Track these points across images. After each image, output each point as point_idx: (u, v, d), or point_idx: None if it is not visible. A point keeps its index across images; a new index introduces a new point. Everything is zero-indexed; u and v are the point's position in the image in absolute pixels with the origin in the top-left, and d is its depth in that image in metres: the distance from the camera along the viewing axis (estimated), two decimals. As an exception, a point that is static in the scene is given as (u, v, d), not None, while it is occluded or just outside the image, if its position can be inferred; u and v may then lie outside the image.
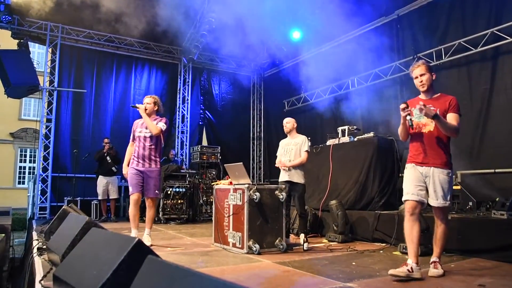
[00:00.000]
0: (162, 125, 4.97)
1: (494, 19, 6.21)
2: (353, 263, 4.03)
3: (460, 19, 6.80)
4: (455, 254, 4.37)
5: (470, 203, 5.47)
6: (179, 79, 11.46)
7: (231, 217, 4.82)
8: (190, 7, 8.53)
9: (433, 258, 3.49)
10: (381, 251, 4.81)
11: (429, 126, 3.45)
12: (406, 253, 3.40)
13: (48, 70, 9.62)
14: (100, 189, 8.70)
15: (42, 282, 2.74)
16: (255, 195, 4.57)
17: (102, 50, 10.38)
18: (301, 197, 5.22)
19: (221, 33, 9.40)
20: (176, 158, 10.56)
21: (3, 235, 6.06)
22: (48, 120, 9.43)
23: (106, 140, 8.93)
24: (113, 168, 8.79)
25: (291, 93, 10.66)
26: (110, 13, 8.50)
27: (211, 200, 8.86)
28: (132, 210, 4.91)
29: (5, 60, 8.26)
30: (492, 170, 5.85)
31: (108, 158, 8.75)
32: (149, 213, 5.00)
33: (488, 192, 5.65)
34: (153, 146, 4.96)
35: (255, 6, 7.68)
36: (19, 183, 20.57)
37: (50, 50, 9.70)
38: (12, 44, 9.34)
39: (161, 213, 8.26)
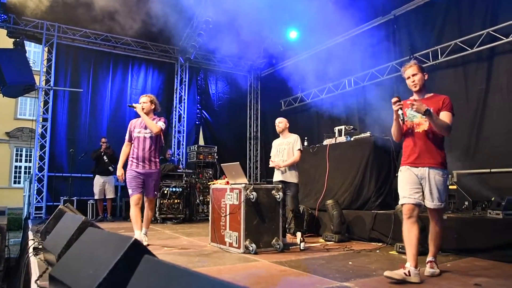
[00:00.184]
0: (161, 124, 4.90)
1: (490, 20, 6.24)
2: (350, 263, 4.04)
3: (456, 20, 6.82)
4: (451, 253, 4.39)
5: (466, 203, 5.50)
6: (175, 79, 11.44)
7: (227, 216, 4.82)
8: (187, 7, 8.51)
9: (429, 257, 3.49)
10: (378, 251, 4.82)
11: (423, 125, 3.42)
12: (403, 253, 3.40)
13: (44, 69, 9.57)
14: (96, 188, 8.69)
15: (38, 282, 2.73)
16: (252, 194, 4.57)
17: (98, 49, 10.34)
18: (295, 196, 5.22)
19: (218, 32, 9.40)
20: (172, 158, 10.55)
21: (-1, 235, 6.04)
22: (44, 120, 9.39)
23: (103, 140, 8.92)
24: (110, 168, 8.77)
25: (287, 92, 10.66)
26: (106, 12, 8.47)
27: (208, 199, 8.85)
28: (133, 212, 4.82)
29: (1, 59, 8.23)
30: (488, 170, 5.88)
31: (105, 157, 8.74)
32: (147, 213, 4.98)
33: (484, 191, 5.67)
34: (153, 147, 4.89)
35: (252, 5, 7.68)
36: (14, 182, 20.48)
37: (46, 49, 9.65)
38: (8, 43, 9.31)
39: (157, 213, 8.25)
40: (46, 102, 9.44)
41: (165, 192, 8.44)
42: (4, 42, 9.45)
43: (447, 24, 6.97)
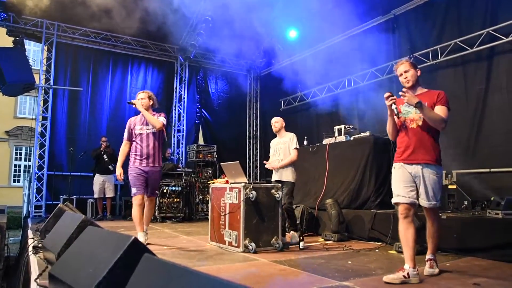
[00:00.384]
0: (162, 119, 4.83)
1: (489, 19, 6.24)
2: (349, 262, 4.04)
3: (456, 19, 6.82)
4: (451, 253, 4.39)
5: (466, 202, 5.51)
6: (175, 78, 11.43)
7: (227, 215, 4.82)
8: (187, 6, 8.50)
9: (428, 255, 3.49)
10: (377, 250, 4.83)
11: (417, 121, 3.36)
12: (402, 252, 3.38)
13: (44, 68, 9.57)
14: (96, 187, 8.69)
15: (38, 280, 2.73)
16: (252, 194, 4.57)
17: (98, 48, 10.33)
18: (287, 194, 5.17)
19: (217, 31, 9.39)
20: (172, 157, 10.55)
21: (-2, 233, 6.03)
22: (44, 118, 9.39)
23: (103, 139, 8.93)
24: (110, 167, 8.77)
25: (287, 92, 10.65)
26: (106, 11, 8.46)
27: (207, 198, 8.85)
28: (136, 213, 4.69)
29: (1, 58, 8.20)
30: (488, 170, 5.88)
31: (105, 156, 8.74)
32: (148, 211, 4.90)
33: (483, 191, 5.69)
34: (157, 143, 4.82)
35: (252, 4, 7.68)
36: (14, 181, 20.48)
37: (46, 47, 9.65)
38: (7, 41, 9.29)
39: (157, 212, 8.25)
40: (45, 101, 9.43)
41: (165, 191, 8.44)
42: (3, 40, 9.43)
43: (447, 24, 6.97)
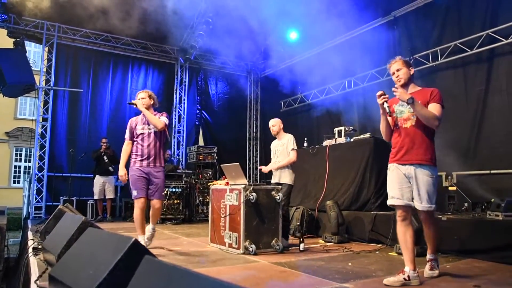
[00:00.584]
0: (164, 119, 4.69)
1: (489, 21, 6.25)
2: (349, 264, 4.04)
3: (456, 21, 6.83)
4: (451, 255, 4.38)
5: (466, 204, 5.50)
6: (175, 79, 11.44)
7: (227, 217, 4.82)
8: (187, 7, 8.51)
9: (429, 255, 3.44)
10: (377, 252, 4.82)
11: (410, 121, 3.32)
12: (402, 254, 3.37)
13: (44, 69, 9.57)
14: (96, 188, 8.70)
15: (38, 282, 2.73)
16: (252, 195, 4.57)
17: (98, 50, 10.34)
18: (285, 196, 5.02)
19: (218, 33, 9.40)
20: (172, 158, 10.55)
21: (-2, 234, 6.03)
22: (44, 120, 9.39)
23: (104, 140, 8.94)
24: (110, 168, 8.79)
25: (287, 93, 10.66)
26: (106, 13, 8.47)
27: (208, 200, 8.84)
28: (137, 216, 4.60)
29: (1, 59, 8.23)
30: (488, 171, 5.88)
31: (105, 157, 8.75)
32: (156, 211, 4.75)
33: (484, 193, 5.68)
34: (158, 143, 4.68)
35: (252, 6, 7.68)
36: (14, 182, 20.47)
37: (46, 49, 9.66)
38: (8, 43, 9.30)
39: (157, 213, 8.24)
40: (46, 102, 9.44)
41: (165, 192, 8.44)
42: (4, 42, 9.45)
43: (447, 25, 6.98)
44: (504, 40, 5.93)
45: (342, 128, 7.03)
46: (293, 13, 8.37)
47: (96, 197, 8.73)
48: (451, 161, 6.04)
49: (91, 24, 9.23)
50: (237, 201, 4.66)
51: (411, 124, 3.31)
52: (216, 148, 10.49)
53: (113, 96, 10.42)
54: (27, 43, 9.67)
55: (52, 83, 9.48)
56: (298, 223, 6.04)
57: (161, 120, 4.65)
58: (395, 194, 3.32)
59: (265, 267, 3.87)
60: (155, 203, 4.67)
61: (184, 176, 9.05)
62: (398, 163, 3.34)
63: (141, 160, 4.61)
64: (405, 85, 3.43)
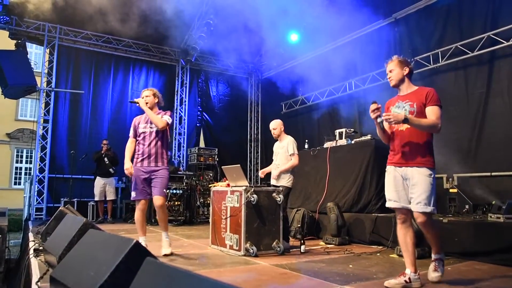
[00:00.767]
0: (167, 118, 4.58)
1: (490, 23, 6.24)
2: (350, 266, 4.04)
3: (457, 23, 6.83)
4: (452, 257, 4.38)
5: (467, 206, 5.49)
6: (176, 81, 11.46)
7: (228, 219, 4.82)
8: (189, 9, 8.53)
9: (433, 255, 3.31)
10: (378, 254, 4.82)
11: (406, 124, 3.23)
12: (403, 256, 3.36)
13: (46, 71, 9.60)
14: (97, 190, 8.70)
15: (39, 283, 2.73)
16: (253, 197, 4.57)
17: (99, 51, 10.37)
18: (284, 200, 4.98)
19: (219, 35, 9.42)
20: (173, 160, 10.56)
21: (0, 236, 6.03)
22: (45, 121, 9.41)
23: (104, 142, 8.95)
24: (111, 170, 8.81)
25: (288, 95, 10.68)
26: (107, 14, 8.49)
27: (208, 202, 8.85)
28: (138, 217, 4.57)
29: (3, 60, 8.25)
30: (489, 173, 5.88)
31: (106, 159, 8.75)
32: (161, 214, 4.58)
33: (485, 195, 5.67)
34: (159, 142, 4.57)
35: (253, 8, 7.70)
36: (15, 183, 20.49)
37: (47, 50, 9.69)
38: (9, 44, 9.32)
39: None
40: (47, 104, 9.46)
41: (166, 192, 8.43)
42: (6, 43, 9.47)
43: (448, 28, 6.98)
44: (505, 42, 5.93)
45: (343, 130, 7.03)
46: (294, 15, 8.39)
47: (96, 198, 8.74)
48: (452, 163, 6.03)
49: (92, 25, 9.27)
50: (238, 203, 4.66)
51: (406, 127, 3.27)
52: (217, 149, 10.49)
53: (114, 98, 10.44)
54: (28, 44, 9.68)
55: (53, 84, 9.50)
56: (299, 225, 6.04)
57: (163, 119, 4.54)
58: (392, 197, 3.31)
59: (266, 269, 3.86)
60: (155, 199, 4.49)
61: (185, 177, 9.05)
62: (395, 166, 3.32)
63: (142, 160, 4.54)
64: (397, 86, 3.44)
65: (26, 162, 20.88)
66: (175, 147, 11.22)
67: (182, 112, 11.40)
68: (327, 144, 7.02)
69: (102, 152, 8.81)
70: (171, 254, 4.51)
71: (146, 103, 4.61)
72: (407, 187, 3.24)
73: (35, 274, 3.04)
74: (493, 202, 5.01)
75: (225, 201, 4.93)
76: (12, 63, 8.42)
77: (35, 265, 3.42)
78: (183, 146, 11.26)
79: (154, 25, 8.98)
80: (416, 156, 3.20)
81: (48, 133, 9.36)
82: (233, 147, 11.97)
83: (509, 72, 5.96)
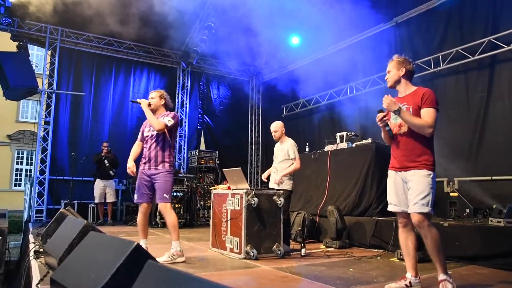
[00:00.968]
0: (167, 119, 4.39)
1: (491, 28, 6.26)
2: (351, 269, 4.03)
3: (457, 27, 6.85)
4: (452, 261, 4.37)
5: (467, 210, 5.50)
6: (177, 83, 11.48)
7: (229, 222, 4.82)
8: (190, 12, 8.55)
9: (439, 275, 3.03)
10: (379, 258, 4.81)
11: (404, 127, 3.21)
12: (404, 260, 3.35)
13: (47, 73, 9.63)
14: (97, 192, 8.70)
15: (39, 285, 2.73)
16: (253, 200, 4.57)
17: (101, 53, 10.39)
18: (285, 203, 4.97)
19: (220, 37, 9.44)
20: (174, 162, 10.55)
21: (0, 237, 6.03)
22: (46, 123, 9.42)
23: (105, 144, 8.95)
24: (111, 172, 8.80)
25: (289, 98, 10.70)
26: (109, 17, 8.51)
27: (209, 204, 8.85)
28: (139, 220, 4.54)
29: (4, 62, 8.27)
30: (489, 177, 5.87)
31: (106, 161, 8.75)
32: (167, 221, 4.44)
33: (485, 199, 5.67)
34: (159, 146, 4.45)
35: (255, 11, 7.71)
36: (15, 185, 20.49)
37: (49, 52, 9.71)
38: (11, 46, 9.35)
39: (158, 217, 8.24)
40: (48, 105, 9.47)
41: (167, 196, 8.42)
42: (8, 45, 9.49)
43: (449, 32, 6.99)
44: (506, 46, 5.94)
45: (344, 133, 7.04)
46: (295, 18, 8.41)
47: (96, 200, 8.74)
48: (453, 167, 6.03)
49: (94, 28, 9.27)
50: (238, 205, 4.66)
51: (404, 131, 3.23)
52: (217, 152, 10.49)
53: (115, 100, 10.45)
54: (30, 46, 9.71)
55: (54, 86, 9.51)
56: (299, 228, 6.04)
57: (162, 121, 4.40)
58: (392, 201, 3.29)
59: (266, 272, 3.86)
60: (159, 207, 4.48)
61: (185, 180, 9.04)
62: (396, 170, 3.28)
63: (144, 163, 4.50)
64: (393, 87, 3.39)
65: (27, 164, 20.89)
66: (176, 149, 11.22)
67: (183, 114, 11.41)
68: (328, 147, 7.03)
69: (102, 154, 8.81)
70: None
71: (150, 104, 4.53)
72: (407, 190, 3.19)
73: (36, 276, 3.04)
74: (494, 206, 5.01)
75: (226, 204, 4.92)
76: (14, 65, 8.43)
77: (36, 267, 3.41)
78: (184, 149, 11.26)
79: (156, 27, 9.01)
80: (415, 159, 3.14)
81: (49, 135, 9.37)
82: (234, 150, 11.97)
83: (510, 76, 5.96)
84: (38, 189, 9.17)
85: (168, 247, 4.47)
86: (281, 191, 4.94)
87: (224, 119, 12.08)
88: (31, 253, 4.03)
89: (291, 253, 4.96)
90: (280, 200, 4.77)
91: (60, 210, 4.71)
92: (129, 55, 10.72)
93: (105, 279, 1.63)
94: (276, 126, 5.39)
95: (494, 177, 5.82)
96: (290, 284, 3.46)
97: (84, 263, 2.02)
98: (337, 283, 3.37)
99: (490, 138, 6.08)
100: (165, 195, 4.35)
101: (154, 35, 9.48)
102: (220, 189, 5.33)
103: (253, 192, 4.64)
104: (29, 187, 9.77)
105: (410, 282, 3.12)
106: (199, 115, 11.81)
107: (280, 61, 10.57)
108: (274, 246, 4.70)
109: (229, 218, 4.82)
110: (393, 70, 3.34)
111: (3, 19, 8.72)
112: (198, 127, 11.77)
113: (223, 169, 5.29)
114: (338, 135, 7.12)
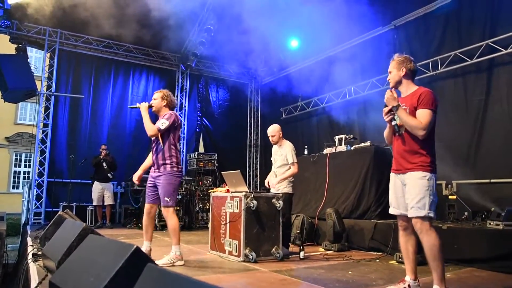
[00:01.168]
0: (161, 122, 4.31)
1: (489, 31, 6.29)
2: (349, 272, 4.03)
3: (455, 31, 6.88)
4: (451, 264, 4.37)
5: (466, 213, 5.50)
6: (176, 86, 11.48)
7: (227, 224, 4.81)
8: (189, 15, 8.56)
9: (433, 286, 2.95)
10: (377, 260, 4.81)
11: (402, 127, 3.15)
12: (402, 263, 3.35)
13: (46, 75, 9.61)
14: (95, 194, 8.69)
15: (38, 288, 2.72)
16: (252, 203, 4.57)
17: (100, 56, 10.39)
18: (285, 206, 4.97)
19: (219, 40, 9.45)
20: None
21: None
22: (45, 125, 9.40)
23: (103, 147, 8.95)
24: (109, 175, 8.80)
25: (288, 101, 10.71)
26: (108, 19, 8.51)
27: (207, 207, 8.84)
28: (144, 221, 4.54)
29: (3, 64, 8.26)
30: (488, 180, 5.89)
31: (104, 164, 8.75)
32: (168, 225, 4.44)
33: (484, 202, 5.68)
34: (159, 149, 4.41)
35: (253, 14, 7.73)
36: (13, 187, 20.45)
37: (48, 55, 9.71)
38: (10, 48, 9.35)
39: (157, 220, 8.21)
40: (47, 108, 9.45)
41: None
42: (6, 47, 9.49)
43: (447, 35, 7.02)
44: (503, 50, 5.97)
45: (343, 136, 7.04)
46: (294, 21, 8.43)
47: (94, 203, 8.73)
48: (451, 169, 6.04)
49: (93, 30, 9.27)
50: (237, 208, 4.66)
51: (402, 131, 3.19)
52: (216, 155, 10.50)
53: (114, 103, 10.45)
54: (29, 48, 9.71)
55: (53, 89, 9.50)
56: (298, 231, 6.03)
57: (153, 127, 4.32)
58: (392, 203, 3.28)
59: (265, 275, 3.86)
60: (162, 211, 4.48)
61: (184, 183, 9.03)
62: (395, 173, 3.26)
63: (152, 167, 4.53)
64: (395, 87, 3.32)
65: (25, 166, 20.85)
66: (175, 152, 11.20)
67: (181, 117, 11.41)
68: (327, 150, 7.03)
69: (101, 157, 8.81)
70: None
71: (152, 106, 4.49)
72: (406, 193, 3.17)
73: (34, 279, 3.03)
74: (492, 209, 5.02)
75: (225, 207, 4.92)
76: (13, 67, 8.43)
77: (34, 270, 3.41)
78: (183, 151, 11.25)
79: (155, 30, 9.01)
80: (411, 160, 3.09)
81: (47, 137, 9.35)
82: (233, 153, 11.97)
83: (508, 80, 5.99)
84: (36, 191, 9.15)
85: (166, 250, 4.47)
86: (280, 194, 4.94)
87: (223, 122, 12.09)
88: (29, 256, 4.02)
89: (290, 256, 4.96)
90: (279, 203, 4.77)
91: (59, 212, 4.69)
92: (128, 58, 10.72)
93: (104, 282, 1.63)
94: (273, 130, 5.34)
95: (492, 180, 5.84)
96: (289, 287, 3.45)
97: (83, 266, 2.01)
98: (336, 286, 3.37)
99: (489, 141, 6.10)
100: (166, 198, 4.29)
101: (153, 37, 9.48)
102: (219, 191, 5.33)
103: (252, 195, 4.64)
104: (27, 189, 9.74)
105: (409, 285, 3.12)
106: (198, 118, 11.82)
107: (279, 64, 10.59)
108: (273, 249, 4.69)
109: (228, 220, 4.82)
110: (394, 70, 3.29)
111: (2, 22, 8.71)
112: (197, 129, 11.76)
113: (222, 172, 5.30)
114: (336, 138, 7.12)
